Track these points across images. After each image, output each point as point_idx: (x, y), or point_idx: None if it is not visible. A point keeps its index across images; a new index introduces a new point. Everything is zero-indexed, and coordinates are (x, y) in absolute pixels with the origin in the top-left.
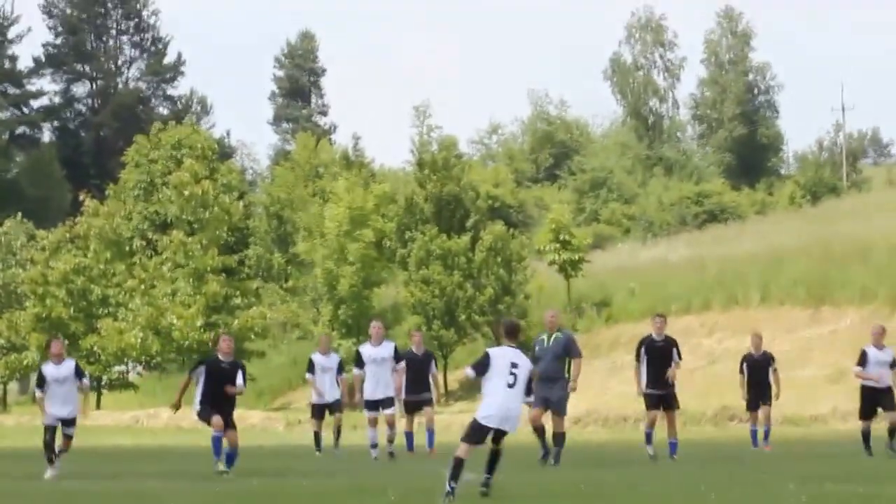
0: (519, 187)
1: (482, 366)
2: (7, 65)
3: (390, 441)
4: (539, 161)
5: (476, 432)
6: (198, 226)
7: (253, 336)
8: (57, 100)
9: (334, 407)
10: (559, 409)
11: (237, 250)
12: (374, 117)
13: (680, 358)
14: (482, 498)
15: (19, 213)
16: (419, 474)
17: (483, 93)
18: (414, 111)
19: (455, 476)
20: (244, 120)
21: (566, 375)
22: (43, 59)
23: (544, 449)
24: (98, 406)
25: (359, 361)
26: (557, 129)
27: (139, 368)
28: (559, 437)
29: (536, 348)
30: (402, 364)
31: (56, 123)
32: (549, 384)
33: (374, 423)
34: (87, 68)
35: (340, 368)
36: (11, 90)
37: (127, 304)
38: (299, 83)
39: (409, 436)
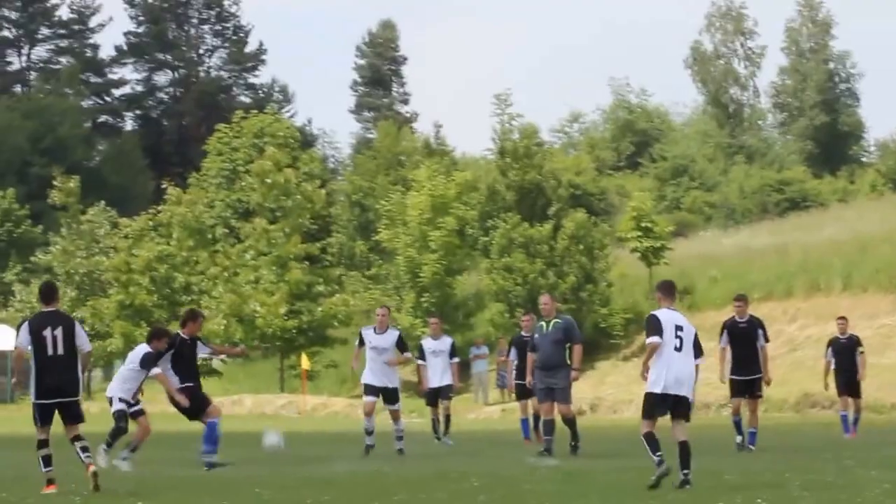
0: (600, 175)
1: (657, 329)
2: (89, 54)
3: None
4: (620, 149)
5: (653, 405)
6: (280, 213)
7: (336, 323)
8: (139, 88)
9: (445, 392)
10: (564, 398)
11: (319, 238)
12: (455, 106)
13: (767, 340)
14: (648, 489)
15: (102, 202)
16: (503, 461)
17: (564, 81)
18: (495, 99)
19: (655, 449)
20: (326, 108)
21: (568, 362)
22: (125, 48)
23: (546, 443)
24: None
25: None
26: (638, 118)
27: (223, 355)
28: (570, 424)
29: (535, 336)
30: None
31: (138, 112)
32: (551, 372)
33: (370, 410)
34: (169, 57)
35: (453, 352)
36: (94, 79)
37: (210, 292)
38: (380, 72)
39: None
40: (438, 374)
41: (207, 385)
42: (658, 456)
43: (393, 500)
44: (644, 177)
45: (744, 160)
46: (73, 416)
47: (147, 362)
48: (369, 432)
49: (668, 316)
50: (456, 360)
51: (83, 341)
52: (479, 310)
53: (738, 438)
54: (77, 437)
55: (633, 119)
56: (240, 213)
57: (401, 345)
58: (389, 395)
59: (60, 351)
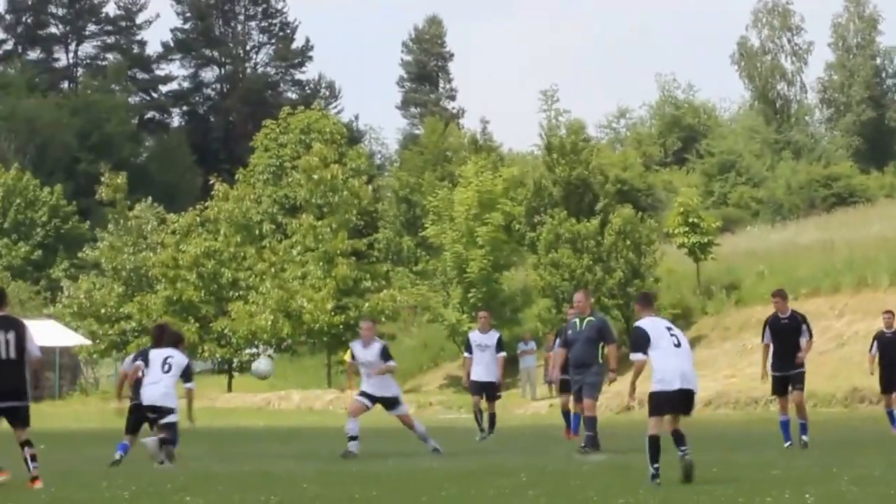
0: (647, 171)
1: (643, 341)
2: (136, 50)
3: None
4: (667, 145)
5: (660, 403)
6: (327, 209)
7: (383, 319)
8: (186, 85)
9: (491, 392)
10: (590, 393)
11: (367, 234)
12: (502, 101)
13: (811, 335)
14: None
15: (150, 198)
16: (551, 456)
17: (611, 77)
18: (542, 95)
19: (654, 459)
20: (372, 104)
21: (599, 361)
22: (171, 45)
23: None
24: (230, 388)
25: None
26: (685, 114)
27: (270, 351)
28: (590, 422)
29: (569, 332)
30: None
31: (185, 108)
32: (583, 370)
33: (355, 411)
34: (216, 53)
35: (500, 347)
36: (141, 75)
37: (257, 288)
38: (427, 68)
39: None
40: (484, 367)
41: (254, 381)
42: (655, 468)
43: (441, 495)
44: (691, 172)
45: (790, 156)
46: (21, 420)
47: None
48: (352, 437)
49: (653, 322)
50: (502, 354)
51: (33, 347)
52: (527, 305)
53: (787, 444)
54: (27, 443)
55: (680, 115)
56: (287, 209)
57: (384, 355)
58: (390, 403)
59: (12, 355)
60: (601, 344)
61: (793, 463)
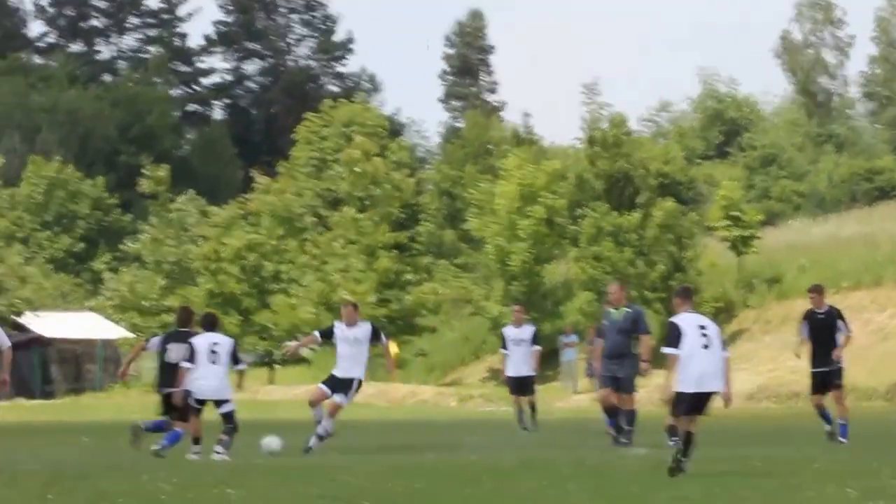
0: (689, 164)
1: (676, 337)
2: (178, 43)
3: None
4: (709, 138)
5: (682, 402)
6: (369, 202)
7: (425, 312)
8: (228, 77)
9: (528, 386)
10: (627, 387)
11: (408, 227)
12: (543, 95)
13: (849, 330)
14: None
15: (191, 190)
16: (592, 449)
17: (653, 70)
18: (584, 88)
19: (674, 435)
20: (414, 97)
21: (633, 352)
22: (214, 37)
23: (616, 430)
24: (271, 381)
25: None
26: (728, 107)
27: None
28: (630, 415)
29: (604, 322)
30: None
31: (227, 101)
32: (616, 361)
33: (318, 400)
34: (258, 46)
35: (535, 340)
36: (182, 68)
37: (299, 280)
38: (469, 61)
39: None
40: (519, 363)
41: (296, 373)
42: (675, 440)
43: (483, 488)
44: (733, 166)
45: (833, 149)
46: None
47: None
48: (319, 422)
49: (689, 319)
50: (537, 347)
51: (2, 338)
52: (568, 298)
53: (827, 427)
54: None
55: (723, 108)
56: (329, 202)
57: (377, 335)
58: (343, 386)
59: None
60: (634, 336)
61: (835, 457)
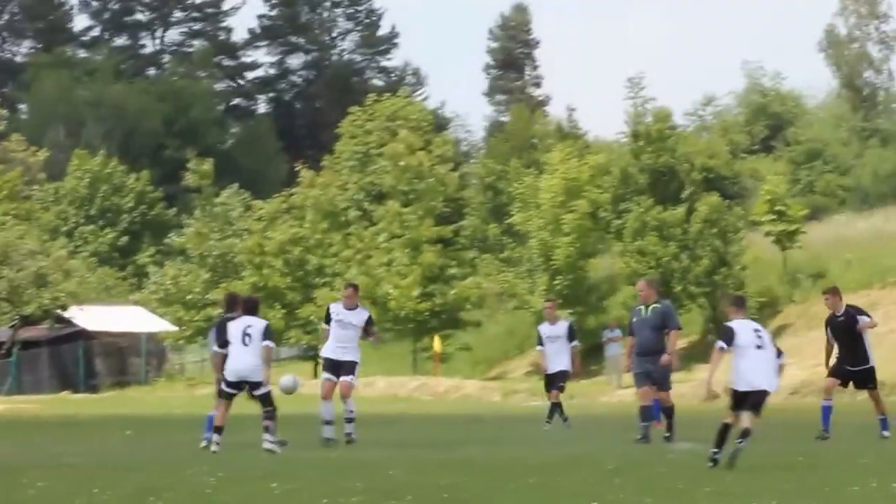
0: (734, 159)
1: (728, 336)
2: (222, 37)
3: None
4: (754, 132)
5: (737, 400)
6: (413, 196)
7: (469, 306)
8: (272, 71)
9: (558, 378)
10: (663, 384)
11: (452, 221)
12: (588, 89)
13: (868, 316)
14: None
15: (236, 184)
16: (637, 444)
17: (697, 64)
18: (628, 82)
19: (719, 444)
20: (458, 91)
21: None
22: (258, 31)
23: (666, 428)
24: (315, 375)
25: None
26: (772, 101)
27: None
28: (668, 411)
29: (633, 320)
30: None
31: (271, 95)
32: (649, 358)
33: (330, 393)
34: (302, 40)
35: (571, 336)
36: (227, 62)
37: (343, 274)
38: (513, 55)
39: (554, 406)
40: (554, 359)
41: None
42: (715, 452)
43: (528, 483)
44: (778, 160)
45: (878, 144)
46: None
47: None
48: (328, 422)
49: (743, 324)
50: (575, 343)
51: None
52: (612, 293)
53: (823, 428)
54: None
55: (767, 102)
56: (373, 196)
57: (371, 322)
58: (346, 368)
59: None
60: (666, 331)
61: (881, 452)
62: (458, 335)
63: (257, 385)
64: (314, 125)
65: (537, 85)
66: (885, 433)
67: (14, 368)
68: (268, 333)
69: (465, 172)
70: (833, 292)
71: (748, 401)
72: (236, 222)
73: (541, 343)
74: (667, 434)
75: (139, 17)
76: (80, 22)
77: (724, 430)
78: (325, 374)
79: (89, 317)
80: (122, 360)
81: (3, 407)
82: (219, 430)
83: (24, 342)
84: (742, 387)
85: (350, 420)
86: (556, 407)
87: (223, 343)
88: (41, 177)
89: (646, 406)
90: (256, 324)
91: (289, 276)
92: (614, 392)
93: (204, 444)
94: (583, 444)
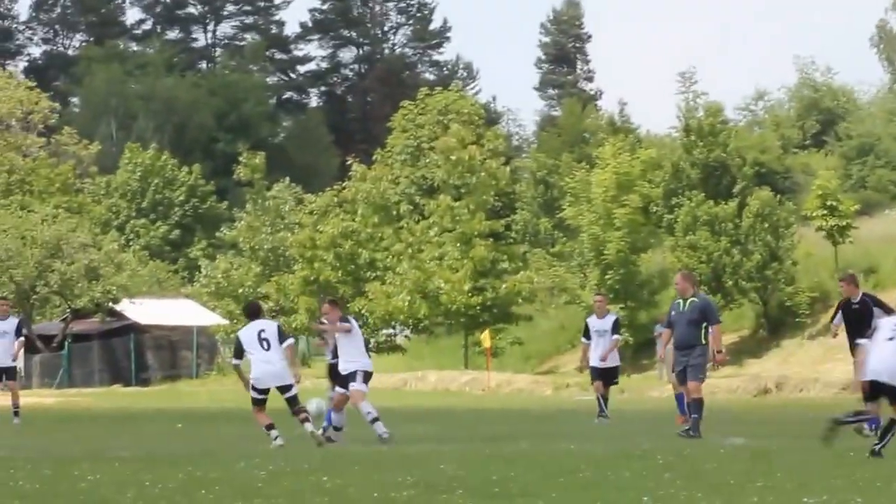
0: (785, 153)
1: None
2: (274, 30)
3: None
4: (805, 128)
5: (865, 391)
6: (465, 190)
7: (520, 301)
8: (324, 65)
9: (611, 376)
10: (695, 375)
11: (504, 215)
12: (639, 83)
13: (887, 312)
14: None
15: (287, 178)
16: (687, 439)
17: (749, 59)
18: (680, 77)
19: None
20: (510, 86)
21: (703, 342)
22: (310, 25)
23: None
24: None
25: (586, 332)
26: (824, 96)
27: (407, 331)
28: (695, 405)
29: (672, 313)
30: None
31: (323, 88)
32: (686, 352)
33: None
34: (354, 34)
35: (615, 329)
36: (279, 55)
37: (394, 268)
38: (565, 49)
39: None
40: (602, 353)
41: (391, 361)
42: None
43: (578, 477)
44: (829, 155)
45: None
46: None
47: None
48: (337, 428)
49: (889, 320)
50: (616, 336)
51: None
52: (664, 288)
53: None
54: None
55: (819, 97)
56: (424, 190)
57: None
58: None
59: None
60: (704, 325)
61: None
62: (510, 329)
63: (287, 388)
64: (366, 119)
65: (589, 79)
66: None
67: (66, 362)
68: (283, 333)
69: (517, 166)
70: (849, 280)
71: (867, 392)
72: (288, 216)
73: (587, 336)
74: (687, 428)
75: (191, 10)
76: (132, 15)
77: (890, 423)
78: (340, 389)
79: (141, 310)
80: (173, 353)
81: (55, 400)
82: (270, 427)
83: (76, 335)
84: (870, 377)
85: (373, 421)
86: (604, 400)
87: (239, 353)
88: (93, 170)
89: (679, 394)
90: (268, 326)
91: (340, 270)
92: (664, 387)
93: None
94: (633, 439)
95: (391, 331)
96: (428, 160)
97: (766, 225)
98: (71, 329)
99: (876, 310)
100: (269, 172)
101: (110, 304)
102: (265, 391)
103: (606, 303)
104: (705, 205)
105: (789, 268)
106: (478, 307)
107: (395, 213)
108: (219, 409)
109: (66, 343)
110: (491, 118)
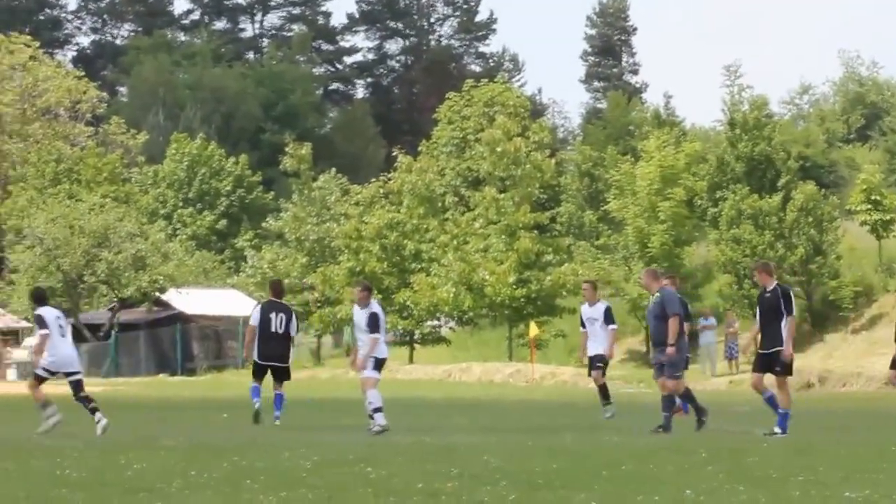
0: (830, 148)
1: None
2: (321, 21)
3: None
4: (850, 122)
5: None
6: (510, 182)
7: (564, 293)
8: (370, 56)
9: (594, 363)
10: (669, 372)
11: (549, 207)
12: (684, 76)
13: (791, 312)
14: None
15: (333, 169)
16: (730, 433)
17: (794, 53)
18: (725, 70)
19: None
20: (555, 78)
21: (671, 340)
22: (356, 16)
23: (697, 413)
24: (411, 360)
25: (582, 321)
26: (869, 91)
27: (451, 323)
28: (665, 401)
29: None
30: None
31: (369, 80)
32: (658, 348)
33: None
34: (400, 25)
35: (608, 318)
36: (325, 46)
37: (439, 260)
38: (611, 42)
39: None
40: (592, 341)
41: (435, 353)
42: None
43: (621, 470)
44: (874, 149)
45: None
46: None
47: None
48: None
49: None
50: (612, 327)
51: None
52: (708, 281)
53: None
54: None
55: (864, 92)
56: (469, 182)
57: (371, 324)
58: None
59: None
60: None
61: None
62: (554, 322)
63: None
64: (411, 110)
65: (634, 72)
66: None
67: (113, 351)
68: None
69: (562, 159)
70: (760, 267)
71: None
72: (333, 207)
73: (584, 325)
74: (660, 427)
75: (239, 0)
76: (179, 5)
77: None
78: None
79: (187, 300)
80: (219, 343)
81: (102, 389)
82: (46, 405)
83: (123, 325)
84: None
85: (374, 411)
86: (602, 388)
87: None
88: (140, 160)
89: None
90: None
91: (385, 262)
92: (709, 380)
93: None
94: (676, 432)
95: (436, 322)
96: (473, 152)
97: (810, 219)
98: (118, 318)
99: (782, 303)
100: (316, 163)
101: (157, 293)
102: (55, 374)
103: (594, 290)
104: (750, 198)
105: (833, 262)
106: (522, 299)
107: (440, 204)
108: (263, 400)
109: (114, 332)
110: (536, 110)
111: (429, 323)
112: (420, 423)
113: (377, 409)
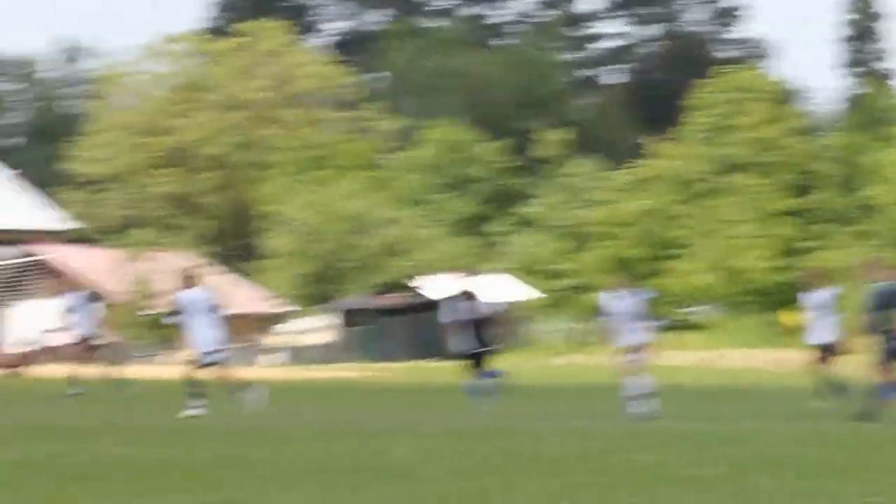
0: None
1: None
2: (573, 8)
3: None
4: None
5: None
6: (766, 168)
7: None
8: (622, 42)
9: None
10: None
11: (805, 193)
12: None
13: None
14: None
15: (587, 155)
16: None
17: None
18: None
19: None
20: (811, 63)
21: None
22: (609, 3)
23: None
24: (668, 346)
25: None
26: None
27: (707, 308)
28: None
29: None
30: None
31: (622, 66)
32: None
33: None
34: (653, 11)
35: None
36: (577, 32)
37: (695, 246)
38: (864, 27)
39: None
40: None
41: (690, 339)
42: None
43: (892, 456)
44: None
45: None
46: None
47: None
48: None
49: None
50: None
51: None
52: None
53: None
54: None
55: None
56: (725, 168)
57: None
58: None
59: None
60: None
61: None
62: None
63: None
64: (664, 97)
65: (882, 58)
66: None
67: (370, 336)
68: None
69: (819, 145)
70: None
71: None
72: (588, 193)
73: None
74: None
75: None
76: None
77: None
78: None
79: (442, 286)
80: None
81: (359, 374)
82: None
83: (380, 310)
84: None
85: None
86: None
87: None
88: (395, 146)
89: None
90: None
91: (640, 248)
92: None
93: None
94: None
95: (690, 309)
96: (727, 138)
97: None
98: (376, 304)
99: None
100: (570, 149)
101: (412, 279)
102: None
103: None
104: None
105: None
106: (781, 286)
107: (694, 191)
108: (519, 386)
109: (373, 318)
110: (789, 96)
111: (686, 309)
112: (681, 411)
113: (644, 395)
